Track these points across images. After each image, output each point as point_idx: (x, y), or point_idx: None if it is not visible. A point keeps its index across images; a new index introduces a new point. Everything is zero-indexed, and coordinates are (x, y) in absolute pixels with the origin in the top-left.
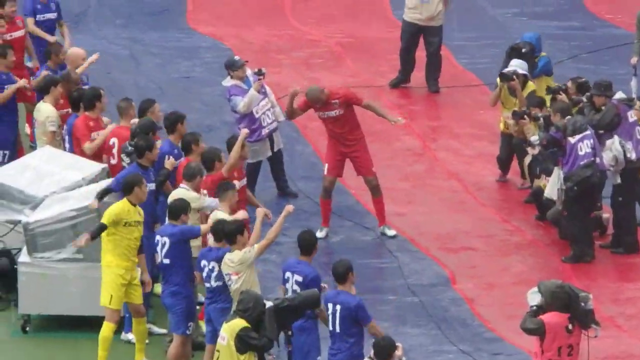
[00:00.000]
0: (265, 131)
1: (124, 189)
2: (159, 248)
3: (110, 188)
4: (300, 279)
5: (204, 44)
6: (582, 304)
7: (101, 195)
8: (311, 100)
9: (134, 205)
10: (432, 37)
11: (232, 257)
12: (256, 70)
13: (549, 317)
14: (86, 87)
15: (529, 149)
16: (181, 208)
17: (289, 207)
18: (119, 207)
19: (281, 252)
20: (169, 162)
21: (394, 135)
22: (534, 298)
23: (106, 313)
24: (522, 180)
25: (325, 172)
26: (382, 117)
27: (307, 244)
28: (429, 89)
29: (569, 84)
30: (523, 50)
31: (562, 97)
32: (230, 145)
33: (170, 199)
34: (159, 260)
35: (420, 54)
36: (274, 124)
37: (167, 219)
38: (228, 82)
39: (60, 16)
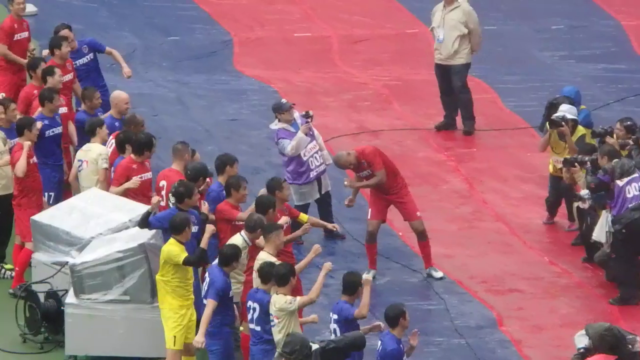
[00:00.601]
0: (313, 174)
1: (176, 229)
2: (204, 284)
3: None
4: (335, 317)
5: (250, 86)
6: (630, 347)
7: (141, 224)
8: (341, 166)
9: (182, 244)
10: (453, 75)
11: (276, 301)
12: (304, 113)
13: None
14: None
15: (579, 203)
16: (233, 255)
17: (328, 265)
18: (176, 249)
19: (328, 295)
20: (206, 208)
21: (441, 178)
22: (581, 340)
23: (168, 354)
24: (570, 223)
25: (369, 217)
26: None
27: (349, 285)
28: (463, 130)
29: (618, 125)
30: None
31: (612, 141)
32: (269, 186)
33: (228, 243)
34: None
35: None
36: (322, 166)
37: (217, 260)
38: (276, 125)
39: (100, 50)
